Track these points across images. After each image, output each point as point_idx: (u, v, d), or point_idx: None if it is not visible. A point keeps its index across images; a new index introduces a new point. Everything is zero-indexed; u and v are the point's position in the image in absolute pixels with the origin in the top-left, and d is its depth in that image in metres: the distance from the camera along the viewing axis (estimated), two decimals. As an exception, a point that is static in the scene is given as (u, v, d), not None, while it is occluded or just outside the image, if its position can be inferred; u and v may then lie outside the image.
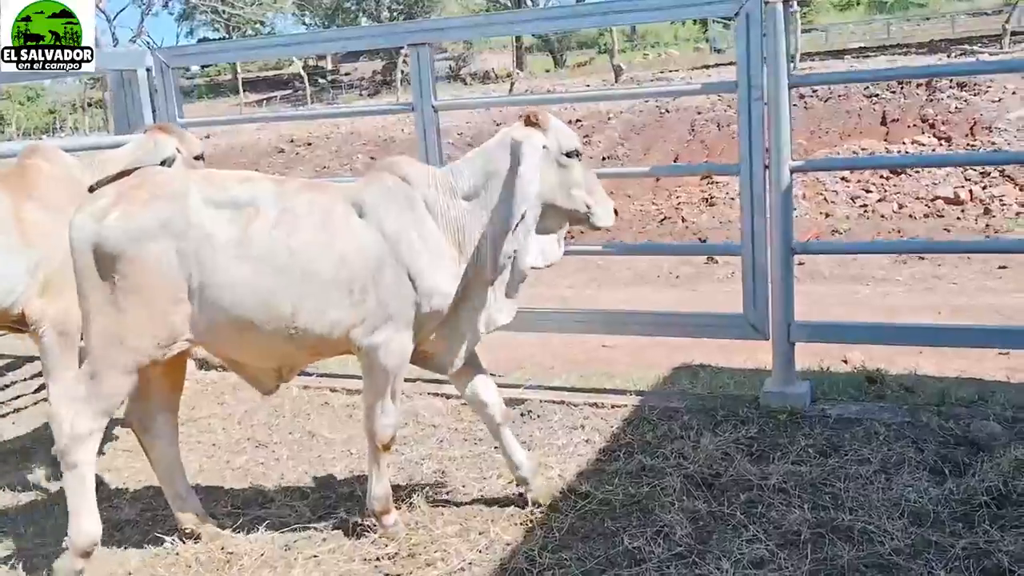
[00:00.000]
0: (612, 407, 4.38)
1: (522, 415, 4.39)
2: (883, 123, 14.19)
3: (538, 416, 4.39)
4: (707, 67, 28.40)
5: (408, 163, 3.15)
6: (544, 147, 3.01)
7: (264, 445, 4.38)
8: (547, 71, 38.52)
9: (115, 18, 39.01)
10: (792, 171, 4.02)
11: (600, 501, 3.37)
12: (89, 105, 38.85)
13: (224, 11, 39.23)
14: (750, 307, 4.24)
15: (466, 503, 3.50)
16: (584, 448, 3.96)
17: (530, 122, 3.02)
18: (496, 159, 3.05)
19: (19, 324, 3.68)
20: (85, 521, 2.92)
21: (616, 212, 3.18)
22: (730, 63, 28.45)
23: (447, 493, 3.59)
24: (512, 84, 29.20)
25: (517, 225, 2.90)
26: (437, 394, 4.70)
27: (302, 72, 36.45)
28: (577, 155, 3.08)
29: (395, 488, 3.69)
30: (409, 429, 4.37)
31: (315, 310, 2.91)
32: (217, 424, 4.76)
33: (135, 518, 3.59)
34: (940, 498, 3.16)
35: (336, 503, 3.60)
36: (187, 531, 3.28)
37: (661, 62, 34.20)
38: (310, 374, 5.48)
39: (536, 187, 2.94)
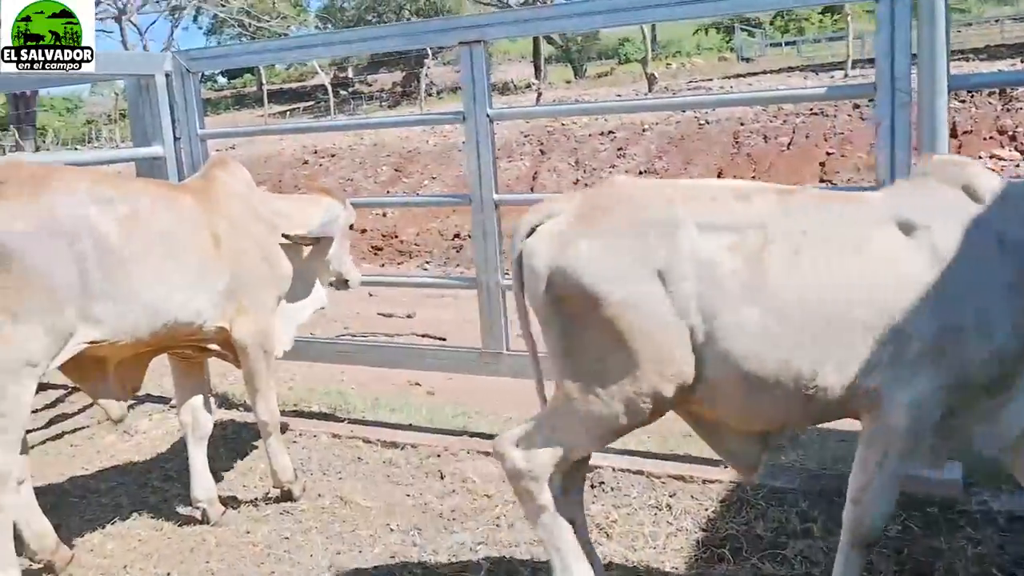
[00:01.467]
0: (703, 482, 3.60)
1: (592, 487, 3.62)
2: (954, 135, 13.25)
3: (612, 489, 3.64)
4: (739, 76, 27.67)
5: (972, 169, 2.34)
6: None
7: (288, 512, 3.71)
8: (567, 81, 37.85)
9: (146, 31, 39.47)
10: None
11: (717, 631, 2.58)
12: (122, 116, 39.10)
13: (250, 24, 39.27)
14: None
15: (535, 617, 2.74)
16: (677, 540, 3.20)
17: None
18: None
19: (208, 343, 3.53)
20: (576, 564, 2.44)
21: None
22: (763, 72, 27.81)
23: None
24: (539, 94, 28.63)
25: None
26: (489, 453, 3.74)
27: (327, 83, 36.14)
28: None
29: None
30: (458, 499, 3.68)
31: (845, 363, 2.19)
32: (237, 481, 4.06)
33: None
34: None
35: (374, 608, 2.83)
36: None
37: (687, 71, 33.48)
38: (339, 420, 4.73)
39: None
